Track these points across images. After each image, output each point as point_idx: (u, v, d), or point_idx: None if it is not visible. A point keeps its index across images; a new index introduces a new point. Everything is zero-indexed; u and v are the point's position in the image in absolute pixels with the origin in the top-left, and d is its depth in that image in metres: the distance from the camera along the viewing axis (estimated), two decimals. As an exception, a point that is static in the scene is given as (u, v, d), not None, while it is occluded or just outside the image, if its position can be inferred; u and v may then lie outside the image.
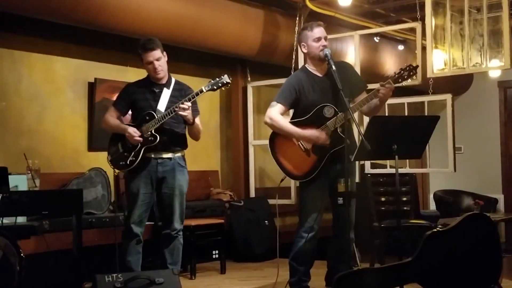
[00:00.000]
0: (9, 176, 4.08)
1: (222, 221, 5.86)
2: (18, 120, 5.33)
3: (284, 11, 6.55)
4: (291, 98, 4.21)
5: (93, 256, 4.59)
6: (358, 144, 3.94)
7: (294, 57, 6.31)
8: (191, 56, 6.36)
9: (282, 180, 4.34)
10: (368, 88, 4.35)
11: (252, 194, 6.91)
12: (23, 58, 5.38)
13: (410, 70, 3.97)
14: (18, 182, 4.60)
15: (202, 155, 6.86)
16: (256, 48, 6.31)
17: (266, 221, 6.48)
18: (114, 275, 3.95)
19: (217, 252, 6.03)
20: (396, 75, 4.00)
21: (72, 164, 5.61)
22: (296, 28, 6.31)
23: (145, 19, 5.26)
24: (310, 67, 4.28)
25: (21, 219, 4.44)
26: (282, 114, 4.25)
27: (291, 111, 4.51)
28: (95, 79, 5.75)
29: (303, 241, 4.18)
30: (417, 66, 4.02)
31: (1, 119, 5.22)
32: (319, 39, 4.16)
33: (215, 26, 5.85)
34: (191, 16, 5.64)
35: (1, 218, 3.98)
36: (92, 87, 5.76)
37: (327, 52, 4.09)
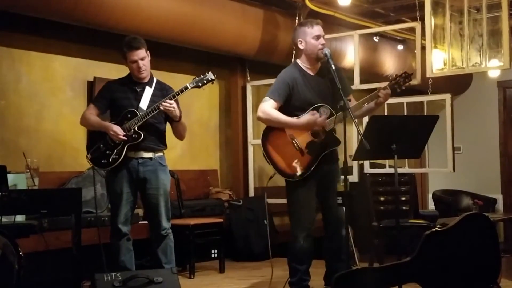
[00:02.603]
0: (8, 175, 4.08)
1: (221, 220, 5.86)
2: (17, 119, 5.33)
3: (284, 11, 6.56)
4: (284, 94, 4.16)
5: (92, 255, 4.58)
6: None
7: (293, 56, 6.30)
8: (190, 55, 6.35)
9: (271, 177, 4.31)
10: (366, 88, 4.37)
11: (251, 193, 6.91)
12: (22, 57, 5.38)
13: (405, 77, 4.05)
14: (17, 180, 4.59)
15: (201, 154, 6.87)
16: (256, 48, 6.31)
17: (265, 220, 6.48)
18: (113, 274, 3.95)
19: (216, 251, 6.02)
20: (393, 82, 4.06)
21: (71, 162, 5.60)
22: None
23: (145, 18, 5.25)
24: (303, 65, 4.25)
25: (20, 218, 4.43)
26: (275, 109, 4.18)
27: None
28: (94, 78, 5.75)
29: (300, 240, 4.17)
30: (412, 74, 4.10)
31: (0, 117, 5.22)
32: (318, 37, 4.16)
33: (214, 25, 5.85)
34: (190, 15, 5.64)
35: (0, 217, 3.97)
36: (91, 86, 5.76)
37: (326, 52, 4.08)
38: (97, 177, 5.35)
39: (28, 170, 4.79)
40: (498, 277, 3.69)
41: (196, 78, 4.29)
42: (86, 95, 5.77)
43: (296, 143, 4.13)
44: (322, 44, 4.14)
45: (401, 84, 4.05)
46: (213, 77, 4.27)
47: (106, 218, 5.02)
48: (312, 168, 4.10)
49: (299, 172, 4.12)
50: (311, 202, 4.18)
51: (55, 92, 5.61)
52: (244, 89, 7.03)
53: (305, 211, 4.17)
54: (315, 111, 4.09)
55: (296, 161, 4.12)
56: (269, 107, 4.14)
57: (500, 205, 8.55)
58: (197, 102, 6.71)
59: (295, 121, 4.10)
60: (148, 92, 4.35)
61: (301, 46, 4.21)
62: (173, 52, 6.10)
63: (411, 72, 4.12)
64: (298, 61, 4.29)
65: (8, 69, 5.29)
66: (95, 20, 5.03)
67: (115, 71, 5.86)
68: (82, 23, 5.09)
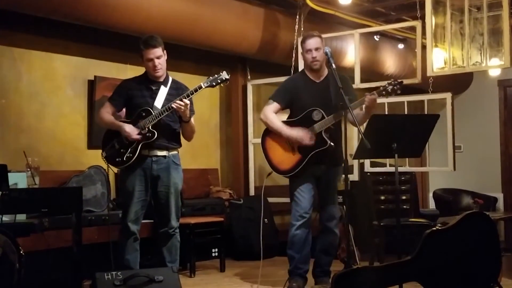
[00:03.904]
0: (9, 174, 4.07)
1: (222, 219, 5.86)
2: (17, 118, 5.33)
3: (284, 10, 6.55)
4: (285, 98, 4.56)
5: (92, 254, 4.59)
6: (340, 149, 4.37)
7: (294, 55, 6.30)
8: (191, 54, 6.36)
9: (269, 174, 4.67)
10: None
11: (252, 192, 6.91)
12: (23, 56, 5.38)
13: (394, 85, 4.19)
14: (18, 179, 4.59)
15: (201, 153, 6.86)
16: (256, 47, 6.31)
17: (265, 220, 6.48)
18: (114, 273, 3.95)
19: (216, 250, 6.03)
20: (381, 88, 4.23)
21: (71, 161, 5.61)
22: (296, 26, 6.32)
23: (145, 17, 5.26)
24: (307, 73, 4.59)
25: (20, 217, 4.43)
26: (277, 112, 4.58)
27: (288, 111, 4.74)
28: (95, 77, 5.75)
29: (295, 229, 4.49)
30: (401, 81, 4.24)
31: (0, 116, 5.22)
32: (309, 51, 4.47)
33: (215, 24, 5.85)
34: (191, 14, 5.64)
35: (1, 216, 3.97)
36: (92, 85, 5.76)
37: (327, 50, 4.24)
38: (98, 176, 5.38)
39: (28, 169, 4.79)
40: (499, 276, 3.69)
41: (210, 77, 4.29)
42: (86, 94, 5.77)
43: (289, 142, 4.47)
44: (313, 57, 4.45)
45: (389, 91, 4.21)
46: (227, 77, 4.28)
47: (107, 217, 5.03)
48: (300, 166, 4.42)
49: (289, 169, 4.47)
50: (304, 194, 4.48)
51: (55, 91, 5.61)
52: (244, 88, 7.03)
53: (300, 202, 4.48)
54: (309, 131, 4.40)
55: (287, 158, 4.48)
56: (269, 111, 4.56)
57: (500, 204, 8.54)
58: (198, 101, 6.65)
59: (285, 131, 4.47)
60: (163, 91, 4.37)
61: (301, 58, 4.66)
62: (174, 51, 6.06)
63: (401, 80, 4.26)
64: (304, 68, 4.65)
65: (8, 68, 5.29)
66: (96, 19, 5.03)
67: (115, 70, 5.88)
68: (83, 22, 5.09)
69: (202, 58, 6.58)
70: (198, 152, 6.80)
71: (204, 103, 6.89)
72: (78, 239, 4.32)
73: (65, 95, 5.68)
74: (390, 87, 4.18)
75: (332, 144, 4.33)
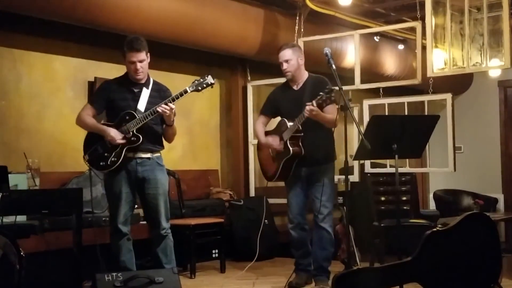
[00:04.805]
0: (9, 175, 4.07)
1: (222, 220, 5.86)
2: (18, 119, 5.33)
3: (284, 11, 6.55)
4: (270, 109, 4.90)
5: (93, 255, 4.58)
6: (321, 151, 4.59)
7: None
8: (191, 55, 6.35)
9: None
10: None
11: (252, 193, 6.91)
12: (23, 57, 5.38)
13: (327, 93, 4.26)
14: (18, 181, 4.59)
15: (202, 154, 6.87)
16: (256, 47, 6.31)
17: (266, 221, 6.48)
18: (114, 274, 3.95)
19: (216, 251, 6.03)
20: (318, 98, 4.29)
21: (72, 163, 5.60)
22: (296, 27, 6.32)
23: (145, 18, 5.26)
24: (288, 81, 4.78)
25: (21, 218, 4.43)
26: (267, 123, 4.91)
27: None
28: (95, 78, 5.75)
29: (290, 230, 4.80)
30: (333, 89, 4.27)
31: (1, 118, 5.23)
32: (280, 63, 4.69)
33: (215, 25, 5.85)
34: (191, 15, 5.64)
35: (1, 217, 3.97)
36: (92, 86, 5.75)
37: (327, 51, 4.25)
38: (98, 176, 5.36)
39: (29, 170, 4.79)
40: (499, 277, 3.69)
41: (196, 81, 4.26)
42: (86, 95, 5.76)
43: (271, 151, 4.77)
44: (284, 69, 4.68)
45: (325, 99, 4.28)
46: (212, 81, 4.25)
47: (107, 218, 5.02)
48: (278, 174, 4.69)
49: (270, 175, 4.80)
50: (291, 199, 4.77)
51: (55, 92, 5.61)
52: (244, 89, 7.02)
53: (290, 207, 4.79)
54: (277, 136, 4.66)
55: (270, 166, 4.80)
56: (257, 122, 4.98)
57: (501, 205, 8.54)
58: (198, 102, 6.72)
59: (261, 140, 4.83)
60: (145, 94, 4.33)
61: None
62: (174, 52, 6.10)
63: (334, 87, 4.28)
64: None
65: (8, 69, 5.30)
66: (95, 20, 5.03)
67: (115, 71, 5.84)
68: (83, 23, 5.09)
69: (202, 59, 6.58)
70: (199, 153, 6.81)
71: (204, 104, 6.90)
72: (78, 240, 4.32)
73: (65, 96, 5.68)
74: (325, 95, 4.25)
75: (295, 151, 4.52)
